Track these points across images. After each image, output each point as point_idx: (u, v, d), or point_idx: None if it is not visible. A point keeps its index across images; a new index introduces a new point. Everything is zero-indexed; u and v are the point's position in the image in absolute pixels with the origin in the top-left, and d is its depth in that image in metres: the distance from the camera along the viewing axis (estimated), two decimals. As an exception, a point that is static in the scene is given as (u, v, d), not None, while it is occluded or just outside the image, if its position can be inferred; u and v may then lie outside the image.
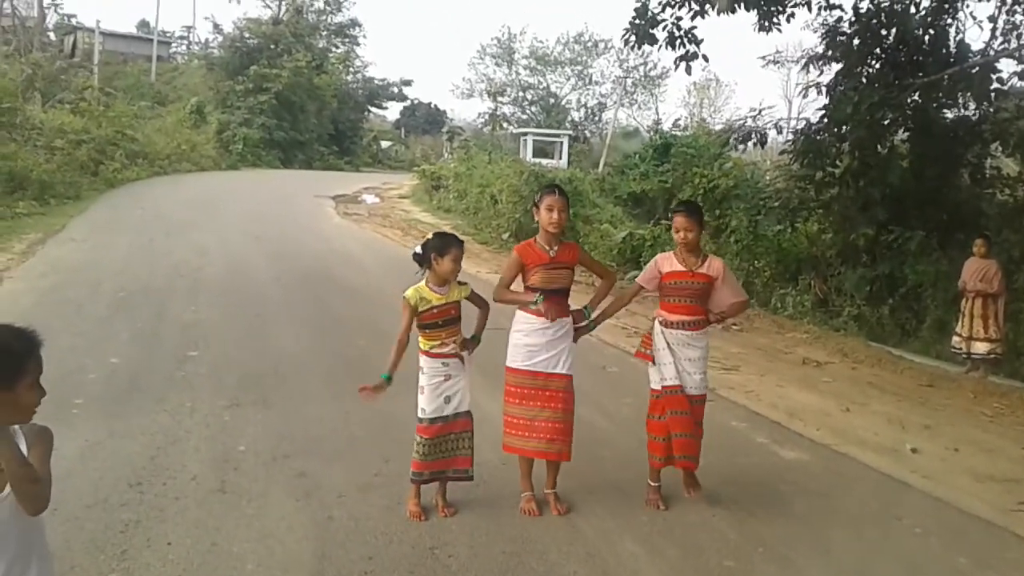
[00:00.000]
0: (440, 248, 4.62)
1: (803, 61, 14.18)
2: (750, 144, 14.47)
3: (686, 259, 4.98)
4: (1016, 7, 12.17)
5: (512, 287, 4.86)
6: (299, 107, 44.69)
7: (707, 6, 11.64)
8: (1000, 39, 12.42)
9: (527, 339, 4.75)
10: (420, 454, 4.63)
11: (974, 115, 12.96)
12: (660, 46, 12.10)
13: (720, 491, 5.20)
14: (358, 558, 4.15)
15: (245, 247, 15.66)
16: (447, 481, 4.75)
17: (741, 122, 14.20)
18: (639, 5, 12.05)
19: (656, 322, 5.07)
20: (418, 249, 4.72)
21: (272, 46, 44.78)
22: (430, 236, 4.80)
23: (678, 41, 12.00)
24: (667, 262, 5.03)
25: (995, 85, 12.16)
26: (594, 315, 5.10)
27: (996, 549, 4.73)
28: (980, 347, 9.12)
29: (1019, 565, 4.53)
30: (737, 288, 5.17)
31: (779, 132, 13.99)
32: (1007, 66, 12.15)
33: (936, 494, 5.51)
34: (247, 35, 45.39)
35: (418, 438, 4.64)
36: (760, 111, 13.90)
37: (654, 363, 5.06)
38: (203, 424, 6.03)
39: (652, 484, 5.07)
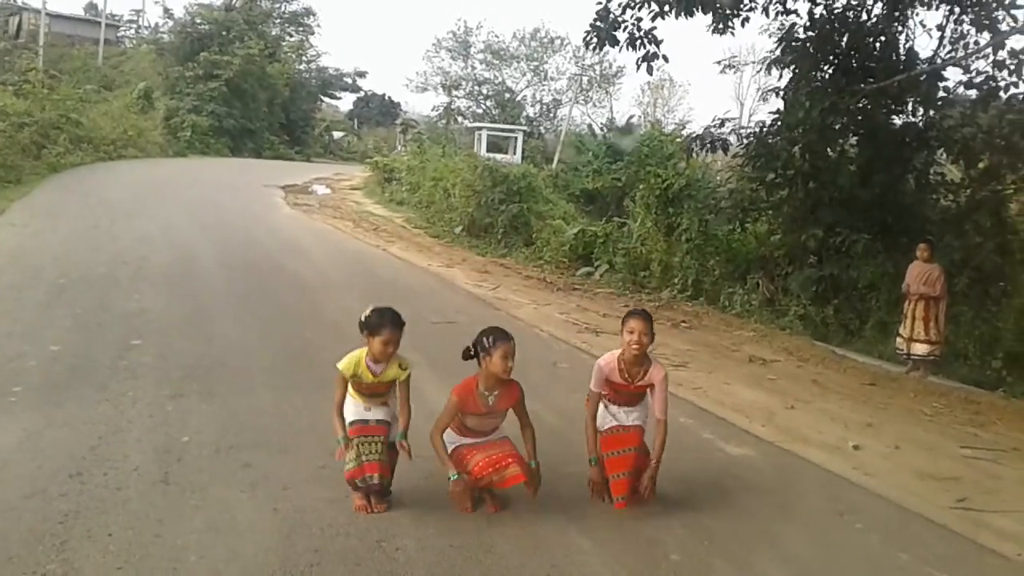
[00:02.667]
0: (373, 327, 4.52)
1: (760, 65, 14.39)
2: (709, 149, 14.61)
3: (629, 370, 4.91)
4: (963, 17, 12.47)
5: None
6: (250, 95, 44.16)
7: (666, 7, 11.74)
8: (948, 48, 12.74)
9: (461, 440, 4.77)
10: (350, 459, 4.59)
11: (921, 122, 13.26)
12: (621, 47, 12.18)
13: (667, 486, 5.22)
14: (304, 550, 4.10)
15: (191, 236, 15.39)
16: (380, 488, 4.64)
17: (707, 128, 14.32)
18: (600, 7, 12.12)
19: (603, 401, 5.06)
20: (362, 317, 4.60)
21: (224, 32, 44.18)
22: (370, 311, 4.62)
23: (639, 42, 12.09)
24: (611, 370, 4.94)
25: (941, 93, 12.47)
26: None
27: (935, 545, 4.82)
28: (920, 348, 9.34)
29: (957, 561, 4.63)
30: (662, 403, 4.95)
31: (739, 140, 14.16)
32: (953, 74, 12.51)
33: (878, 491, 5.61)
34: (198, 20, 44.77)
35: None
36: (724, 121, 14.04)
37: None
38: (146, 414, 5.90)
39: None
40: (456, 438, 4.73)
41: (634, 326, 4.84)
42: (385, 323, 4.52)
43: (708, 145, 14.04)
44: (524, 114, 49.23)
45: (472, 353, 4.64)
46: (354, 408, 4.66)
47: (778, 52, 13.51)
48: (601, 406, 5.05)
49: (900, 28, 13.10)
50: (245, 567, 3.91)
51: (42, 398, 6.05)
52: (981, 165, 12.77)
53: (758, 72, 15.02)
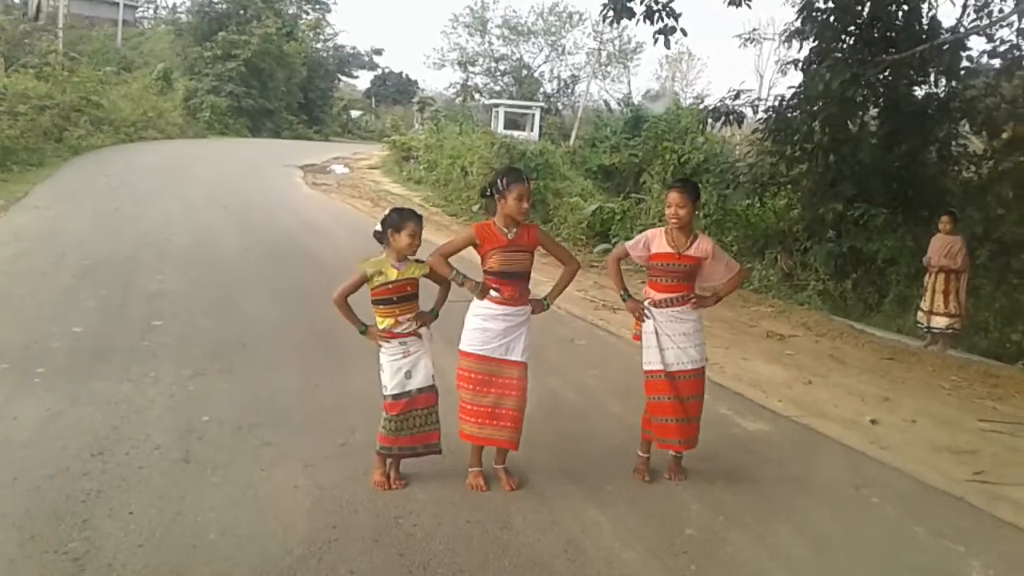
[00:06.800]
0: (396, 224, 4.58)
1: (779, 37, 14.21)
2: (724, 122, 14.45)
3: (675, 239, 4.92)
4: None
5: (452, 259, 4.73)
6: (268, 75, 44.20)
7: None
8: (971, 16, 12.51)
9: (484, 323, 4.67)
10: (388, 430, 4.62)
11: (943, 92, 13.08)
12: (638, 20, 12.08)
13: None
14: (323, 526, 4.16)
15: (212, 217, 15.49)
16: (417, 456, 4.74)
17: (719, 102, 14.18)
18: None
19: (646, 303, 5.04)
20: (378, 227, 4.69)
21: (241, 12, 44.08)
22: (386, 213, 4.73)
23: (656, 15, 11.96)
24: (656, 241, 4.96)
25: (965, 63, 12.28)
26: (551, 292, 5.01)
27: (951, 519, 4.83)
28: (939, 321, 9.29)
29: (973, 535, 4.62)
30: (730, 262, 5.14)
31: (755, 112, 14.01)
32: (977, 44, 12.32)
33: (894, 464, 5.61)
34: (215, 0, 44.66)
35: (384, 414, 4.64)
36: (739, 93, 13.89)
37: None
38: (167, 394, 5.98)
39: (641, 455, 5.13)
40: (481, 323, 4.68)
41: (672, 199, 4.91)
42: (407, 216, 4.61)
43: (723, 117, 13.92)
44: (541, 90, 48.95)
45: (488, 193, 4.73)
46: (391, 366, 4.62)
47: (798, 23, 13.35)
48: (645, 342, 5.02)
49: (923, -4, 12.90)
50: (265, 543, 3.97)
51: (65, 378, 6.13)
52: (1004, 136, 12.60)
53: (779, 45, 14.91)
